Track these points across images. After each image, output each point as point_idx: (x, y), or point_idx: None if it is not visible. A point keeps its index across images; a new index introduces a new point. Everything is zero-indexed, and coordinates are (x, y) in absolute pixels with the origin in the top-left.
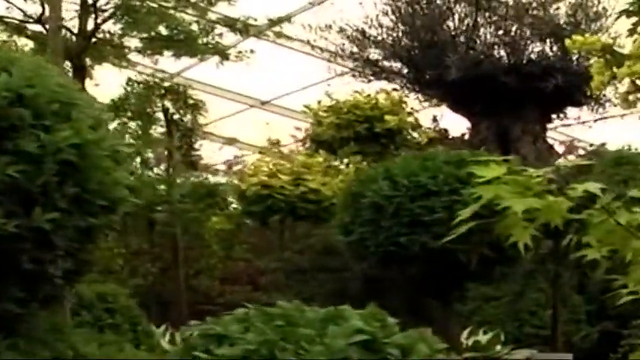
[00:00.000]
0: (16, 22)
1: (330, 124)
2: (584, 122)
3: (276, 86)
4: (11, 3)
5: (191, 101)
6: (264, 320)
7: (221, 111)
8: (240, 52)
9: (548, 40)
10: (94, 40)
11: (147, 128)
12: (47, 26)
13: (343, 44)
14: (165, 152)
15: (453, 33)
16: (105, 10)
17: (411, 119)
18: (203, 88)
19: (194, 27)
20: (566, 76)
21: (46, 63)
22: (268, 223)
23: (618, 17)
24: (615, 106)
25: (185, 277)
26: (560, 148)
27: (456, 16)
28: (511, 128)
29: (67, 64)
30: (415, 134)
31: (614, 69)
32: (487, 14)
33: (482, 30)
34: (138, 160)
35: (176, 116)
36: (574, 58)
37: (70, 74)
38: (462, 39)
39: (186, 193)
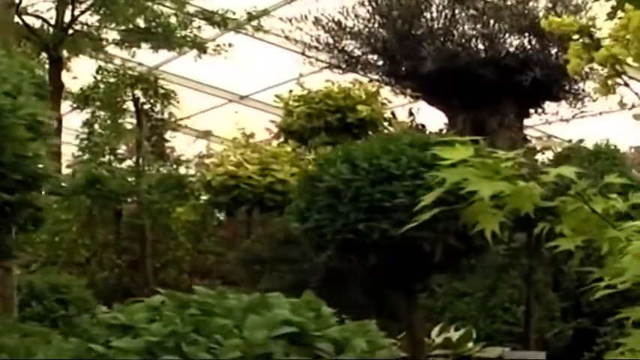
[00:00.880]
0: None
1: (301, 113)
2: (564, 120)
3: (256, 81)
4: None
5: (162, 91)
6: (177, 309)
7: (200, 105)
8: (218, 45)
9: (526, 33)
10: (70, 31)
11: (116, 118)
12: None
13: (319, 35)
14: (135, 143)
15: (430, 25)
16: (82, 2)
17: (386, 111)
18: (182, 82)
19: (172, 20)
20: (544, 69)
21: None
22: (235, 214)
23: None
24: (594, 101)
25: (152, 270)
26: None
27: (434, 8)
28: (487, 122)
29: (44, 55)
30: (391, 127)
31: (592, 52)
32: (465, 6)
33: (459, 22)
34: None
35: (147, 106)
36: (553, 51)
37: (47, 66)
38: (439, 31)
39: (154, 184)
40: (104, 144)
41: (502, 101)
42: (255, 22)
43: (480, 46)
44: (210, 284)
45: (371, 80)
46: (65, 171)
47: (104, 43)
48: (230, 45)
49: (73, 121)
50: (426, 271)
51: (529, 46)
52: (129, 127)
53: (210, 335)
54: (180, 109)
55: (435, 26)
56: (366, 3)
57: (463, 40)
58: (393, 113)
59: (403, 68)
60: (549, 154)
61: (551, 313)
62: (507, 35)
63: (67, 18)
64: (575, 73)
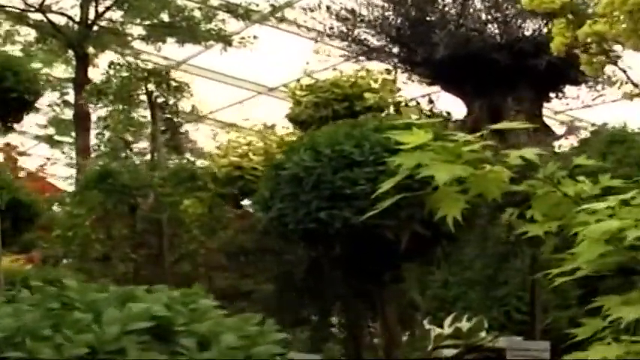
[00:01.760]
0: (18, 10)
1: (309, 103)
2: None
3: (283, 72)
4: None
5: (174, 84)
6: (39, 302)
7: (229, 98)
8: (242, 38)
9: (540, 17)
10: (95, 28)
11: (129, 112)
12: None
13: (332, 24)
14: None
15: (443, 10)
16: None
17: (398, 98)
18: (211, 75)
19: (196, 13)
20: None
21: None
22: (242, 205)
23: None
24: (614, 84)
25: (170, 264)
26: (560, 129)
27: None
28: (504, 107)
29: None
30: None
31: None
32: None
33: (473, 7)
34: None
35: (161, 100)
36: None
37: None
38: (452, 16)
39: (167, 176)
40: (118, 138)
41: (518, 86)
42: (278, 14)
43: (495, 31)
44: (227, 277)
45: (389, 71)
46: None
47: (129, 38)
48: (255, 37)
49: None
50: (394, 261)
51: (545, 30)
52: (143, 120)
53: (64, 330)
54: (200, 102)
55: (449, 11)
56: None
57: (477, 25)
58: (406, 100)
59: (417, 55)
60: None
61: (567, 301)
62: (521, 19)
63: (92, 15)
64: (559, 52)
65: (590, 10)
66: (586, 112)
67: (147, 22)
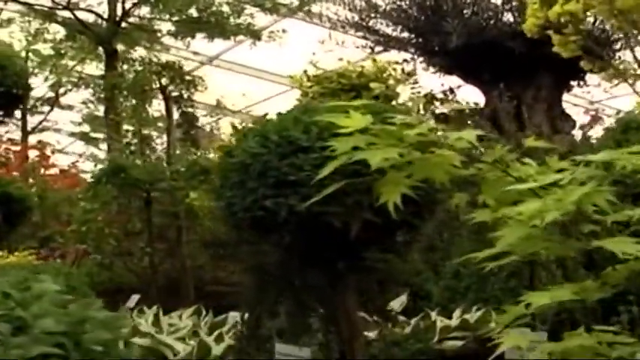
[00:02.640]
0: (46, 9)
1: (315, 93)
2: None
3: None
4: None
5: (188, 77)
6: None
7: (263, 93)
8: (272, 32)
9: None
10: (124, 25)
11: (144, 106)
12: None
13: (346, 15)
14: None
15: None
16: None
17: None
18: (244, 70)
19: (224, 8)
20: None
21: None
22: None
23: None
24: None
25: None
26: (585, 117)
27: None
28: (522, 95)
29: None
30: (409, 102)
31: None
32: None
33: None
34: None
35: (176, 93)
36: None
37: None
38: (466, 5)
39: (180, 170)
40: (133, 132)
41: (536, 74)
42: (306, 8)
43: (510, 19)
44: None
45: (406, 61)
46: None
47: (158, 35)
48: (284, 31)
49: None
50: (347, 249)
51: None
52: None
53: None
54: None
55: (463, 0)
56: None
57: (490, 13)
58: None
59: (433, 44)
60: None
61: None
62: None
63: (119, 11)
64: (531, 33)
65: None
66: (615, 101)
67: (175, 18)
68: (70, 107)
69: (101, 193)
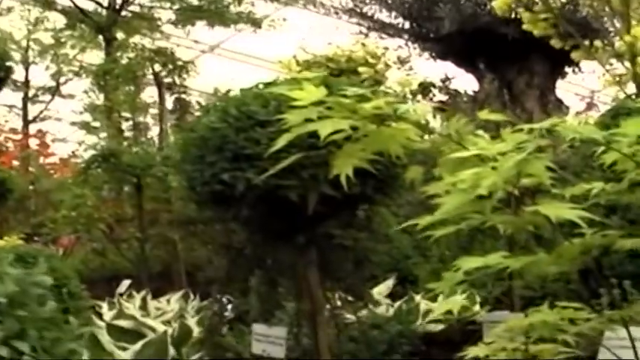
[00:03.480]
0: None
1: None
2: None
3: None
4: None
5: (180, 63)
6: None
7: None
8: (272, 20)
9: None
10: (124, 13)
11: (136, 92)
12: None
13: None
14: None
15: None
16: None
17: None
18: (245, 59)
19: None
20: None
21: None
22: None
23: None
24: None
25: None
26: (580, 104)
27: None
28: (515, 82)
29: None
30: (398, 87)
31: None
32: None
33: None
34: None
35: (168, 80)
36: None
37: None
38: None
39: (172, 156)
40: (126, 119)
41: (530, 60)
42: None
43: None
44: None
45: (400, 46)
46: None
47: (158, 23)
48: (284, 19)
49: None
50: (306, 223)
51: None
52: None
53: None
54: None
55: None
56: None
57: None
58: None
59: (427, 30)
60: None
61: (567, 275)
62: None
63: (119, 0)
64: (502, 12)
65: None
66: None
67: (176, 7)
68: (71, 96)
69: (92, 179)
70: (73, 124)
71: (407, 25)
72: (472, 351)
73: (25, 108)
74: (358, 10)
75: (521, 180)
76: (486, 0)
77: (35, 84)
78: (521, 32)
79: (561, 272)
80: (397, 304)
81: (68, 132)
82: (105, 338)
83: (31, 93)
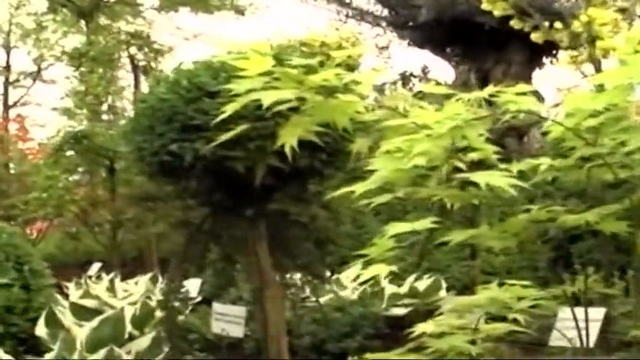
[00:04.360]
0: None
1: None
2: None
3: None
4: None
5: (156, 46)
6: None
7: None
8: (256, 8)
9: None
10: None
11: (112, 75)
12: None
13: None
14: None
15: None
16: None
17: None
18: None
19: None
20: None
21: None
22: None
23: None
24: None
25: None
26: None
27: None
28: (492, 71)
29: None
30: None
31: None
32: None
33: None
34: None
35: (143, 63)
36: None
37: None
38: None
39: None
40: (98, 100)
41: (507, 50)
42: None
43: None
44: None
45: (379, 34)
46: None
47: (141, 8)
48: (267, 7)
49: None
50: (255, 196)
51: None
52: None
53: None
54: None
55: None
56: None
57: None
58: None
59: (404, 18)
60: None
61: (534, 263)
62: None
63: None
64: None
65: None
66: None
67: None
68: (53, 82)
69: (64, 161)
70: (54, 109)
71: (385, 12)
72: (421, 327)
73: (6, 92)
74: None
75: (468, 154)
76: None
77: (16, 69)
78: (499, 22)
79: (516, 251)
80: (362, 287)
81: (50, 118)
82: (65, 316)
83: (12, 78)
